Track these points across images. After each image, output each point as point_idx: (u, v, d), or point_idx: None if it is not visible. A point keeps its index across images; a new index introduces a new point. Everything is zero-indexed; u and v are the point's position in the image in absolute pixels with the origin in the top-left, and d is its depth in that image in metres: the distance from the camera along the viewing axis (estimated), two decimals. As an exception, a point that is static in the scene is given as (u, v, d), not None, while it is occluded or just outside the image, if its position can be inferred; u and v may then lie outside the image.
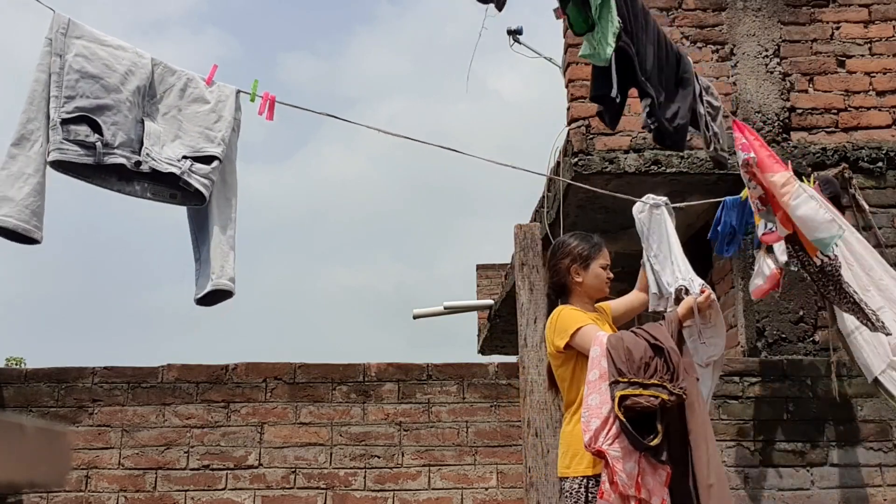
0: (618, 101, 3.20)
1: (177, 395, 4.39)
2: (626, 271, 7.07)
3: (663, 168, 4.88)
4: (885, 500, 4.24)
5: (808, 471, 4.25)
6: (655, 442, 2.72)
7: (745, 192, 4.26)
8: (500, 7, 3.00)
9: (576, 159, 4.94)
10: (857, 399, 4.40)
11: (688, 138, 3.68)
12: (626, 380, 2.77)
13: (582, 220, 5.73)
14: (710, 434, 2.94)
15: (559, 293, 3.32)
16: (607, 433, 2.80)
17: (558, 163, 5.34)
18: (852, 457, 4.29)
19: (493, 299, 9.55)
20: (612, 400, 2.78)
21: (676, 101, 3.54)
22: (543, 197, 5.77)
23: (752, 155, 3.56)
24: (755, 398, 4.36)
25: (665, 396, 2.73)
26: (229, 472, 4.31)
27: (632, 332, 2.91)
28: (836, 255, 3.57)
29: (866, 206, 4.74)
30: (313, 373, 4.44)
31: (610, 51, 3.05)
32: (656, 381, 2.75)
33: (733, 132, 3.70)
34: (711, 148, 3.86)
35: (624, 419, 2.73)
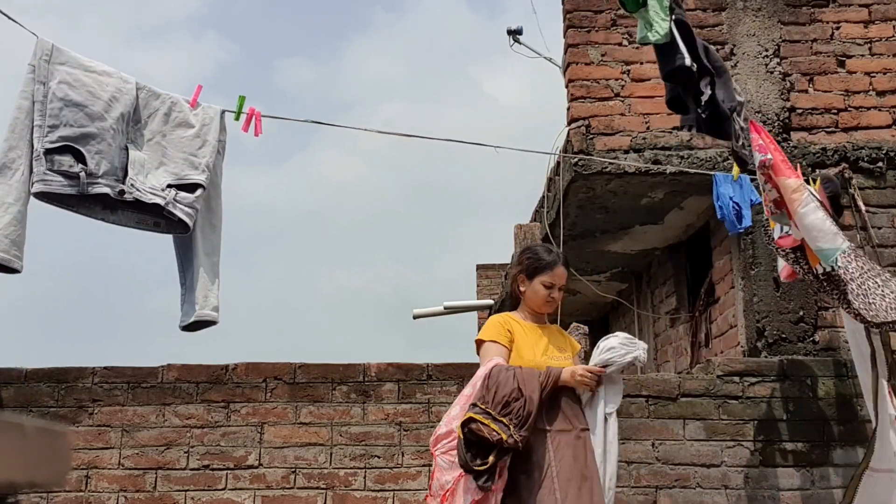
0: (693, 69, 3.10)
1: (177, 395, 4.39)
2: (626, 271, 7.07)
3: (663, 168, 4.88)
4: (885, 500, 4.24)
5: (808, 471, 4.25)
6: (479, 468, 2.89)
7: (735, 171, 4.26)
8: None
9: (576, 159, 4.94)
10: (857, 399, 4.40)
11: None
12: (483, 407, 2.96)
13: (582, 220, 5.73)
14: (578, 481, 2.98)
15: (512, 298, 3.41)
16: (447, 443, 3.02)
17: (558, 163, 5.34)
18: (852, 457, 4.29)
19: (493, 299, 9.55)
20: (463, 417, 2.98)
21: (720, 87, 3.44)
22: (543, 197, 5.77)
23: (770, 157, 3.53)
24: (755, 398, 4.36)
25: (504, 436, 2.89)
26: (229, 472, 4.31)
27: (514, 371, 3.05)
28: (840, 266, 3.52)
29: (863, 207, 4.75)
30: (313, 373, 4.44)
31: (667, 25, 2.99)
32: (505, 421, 2.92)
33: (750, 132, 3.66)
34: (740, 143, 3.75)
35: (462, 437, 2.93)
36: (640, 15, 3.04)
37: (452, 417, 3.06)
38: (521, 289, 3.31)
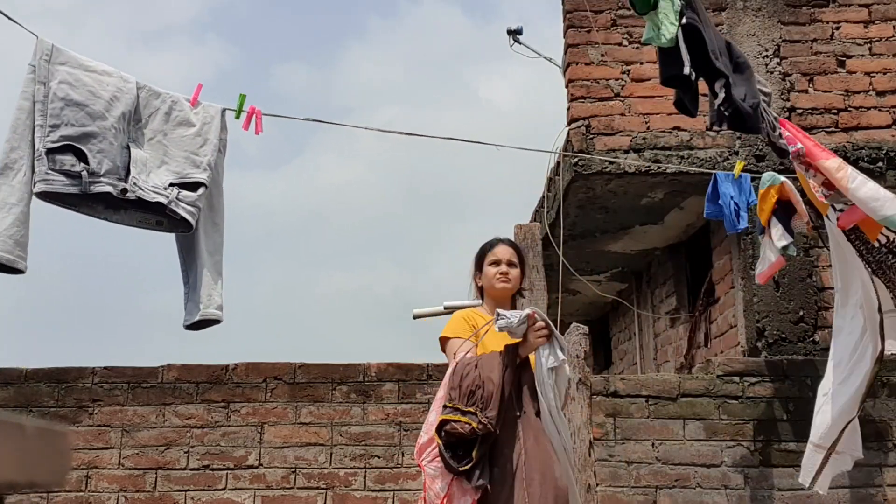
0: (693, 78, 3.10)
1: (177, 395, 4.39)
2: (626, 271, 7.07)
3: (663, 168, 4.89)
4: (885, 499, 4.24)
5: (808, 471, 4.25)
6: (465, 468, 2.81)
7: (737, 168, 4.24)
8: None
9: (576, 159, 4.95)
10: (857, 399, 4.39)
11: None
12: (451, 405, 2.88)
13: (582, 220, 5.73)
14: (541, 466, 2.88)
15: (480, 296, 3.39)
16: (430, 451, 2.93)
17: (558, 163, 5.34)
18: (852, 457, 4.29)
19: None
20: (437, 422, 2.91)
21: (740, 84, 3.42)
22: (543, 197, 5.77)
23: (800, 146, 3.53)
24: (755, 398, 4.36)
25: (474, 425, 2.80)
26: (229, 472, 4.31)
27: (475, 361, 2.97)
28: None
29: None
30: (313, 373, 4.44)
31: (674, 30, 2.98)
32: (472, 410, 2.84)
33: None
34: (777, 132, 3.67)
35: (441, 443, 2.85)
36: (650, 17, 3.03)
37: (430, 424, 2.98)
38: (479, 283, 3.32)
